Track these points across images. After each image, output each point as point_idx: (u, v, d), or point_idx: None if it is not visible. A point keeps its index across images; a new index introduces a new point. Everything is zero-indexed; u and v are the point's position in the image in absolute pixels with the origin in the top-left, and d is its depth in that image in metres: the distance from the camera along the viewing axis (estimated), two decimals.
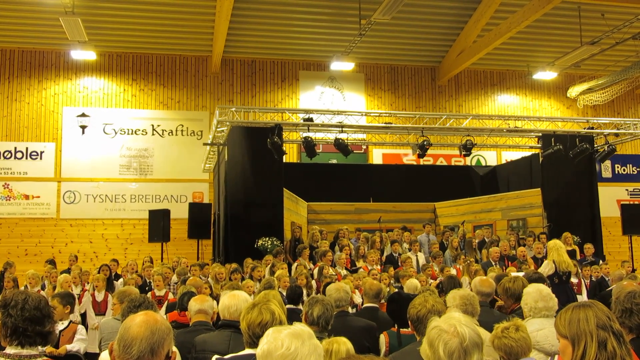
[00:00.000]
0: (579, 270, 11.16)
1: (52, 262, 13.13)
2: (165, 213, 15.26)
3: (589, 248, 13.10)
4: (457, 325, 2.76)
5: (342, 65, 18.17)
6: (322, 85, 19.72)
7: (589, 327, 2.79)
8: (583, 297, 10.52)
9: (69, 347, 6.81)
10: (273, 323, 3.50)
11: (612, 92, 19.58)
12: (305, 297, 7.53)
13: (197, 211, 15.44)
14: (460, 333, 2.73)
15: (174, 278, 10.65)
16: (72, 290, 9.60)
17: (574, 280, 10.88)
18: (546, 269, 9.50)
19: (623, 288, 5.20)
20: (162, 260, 13.92)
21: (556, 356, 3.79)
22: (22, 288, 10.39)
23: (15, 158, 17.56)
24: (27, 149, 17.65)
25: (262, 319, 3.55)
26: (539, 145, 15.56)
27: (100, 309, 9.73)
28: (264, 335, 2.58)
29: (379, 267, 11.56)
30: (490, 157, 20.35)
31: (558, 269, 9.48)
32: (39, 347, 3.18)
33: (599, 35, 16.49)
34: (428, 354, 2.76)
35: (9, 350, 3.10)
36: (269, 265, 10.78)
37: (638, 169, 21.38)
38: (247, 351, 3.50)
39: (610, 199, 19.93)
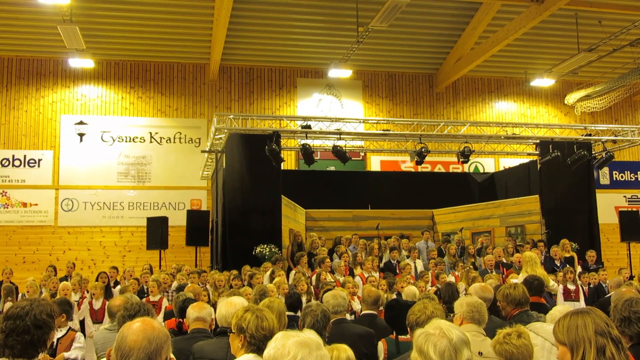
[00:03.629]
0: (577, 277, 11.15)
1: (53, 268, 13.06)
2: (163, 220, 15.25)
3: (592, 256, 13.05)
4: (442, 327, 2.80)
5: (339, 73, 18.20)
6: (320, 93, 19.75)
7: (588, 333, 2.79)
8: (581, 304, 10.50)
9: (66, 355, 6.79)
10: (274, 328, 3.50)
11: (610, 99, 19.63)
12: (304, 304, 7.53)
13: (195, 218, 15.42)
14: (446, 334, 2.76)
15: (174, 285, 10.62)
16: (71, 297, 9.57)
17: (571, 287, 10.87)
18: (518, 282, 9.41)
19: (622, 295, 5.20)
20: (159, 268, 13.89)
21: None
22: (19, 296, 10.36)
23: (13, 166, 17.55)
24: (25, 156, 17.64)
25: (267, 324, 3.54)
26: (537, 152, 15.58)
27: (97, 317, 9.68)
28: (272, 339, 2.58)
29: (376, 274, 11.55)
30: (488, 164, 20.38)
31: None
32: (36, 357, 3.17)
33: (596, 43, 16.54)
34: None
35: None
36: (269, 272, 10.76)
37: (636, 176, 21.40)
38: (244, 357, 3.48)
39: (609, 205, 19.95)
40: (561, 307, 5.19)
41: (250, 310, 3.64)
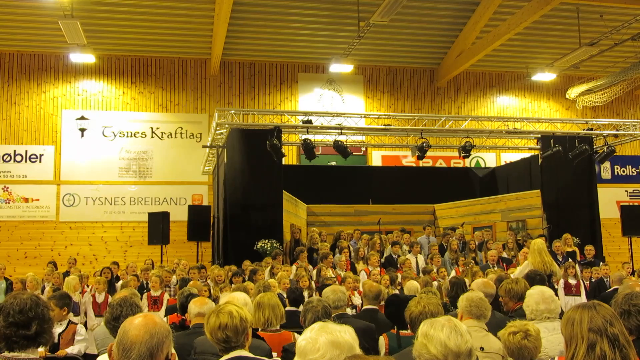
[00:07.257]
0: (578, 272, 11.13)
1: (53, 264, 13.09)
2: (165, 215, 15.25)
3: (590, 250, 13.07)
4: (447, 318, 2.82)
5: (341, 68, 18.15)
6: (321, 88, 19.72)
7: (581, 329, 2.81)
8: (582, 299, 10.49)
9: (68, 350, 6.80)
10: (233, 322, 3.51)
11: (611, 93, 19.57)
12: (306, 299, 7.54)
13: (197, 213, 15.42)
14: (452, 320, 2.78)
15: (173, 279, 10.65)
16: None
17: (572, 281, 10.86)
18: (524, 270, 9.34)
19: (627, 288, 5.19)
20: (161, 263, 13.90)
21: (556, 357, 3.82)
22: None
23: (14, 161, 17.56)
24: (26, 152, 17.64)
25: (220, 323, 3.55)
26: (538, 146, 15.56)
27: (100, 310, 9.77)
28: (307, 329, 2.51)
29: (378, 268, 11.54)
30: (489, 159, 20.35)
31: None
32: (38, 349, 3.15)
33: (597, 37, 16.48)
34: (425, 342, 2.73)
35: (6, 354, 3.09)
36: (269, 268, 10.76)
37: (637, 170, 21.37)
38: (239, 352, 3.49)
39: (610, 200, 19.91)
40: (534, 290, 4.75)
41: (210, 314, 3.67)
